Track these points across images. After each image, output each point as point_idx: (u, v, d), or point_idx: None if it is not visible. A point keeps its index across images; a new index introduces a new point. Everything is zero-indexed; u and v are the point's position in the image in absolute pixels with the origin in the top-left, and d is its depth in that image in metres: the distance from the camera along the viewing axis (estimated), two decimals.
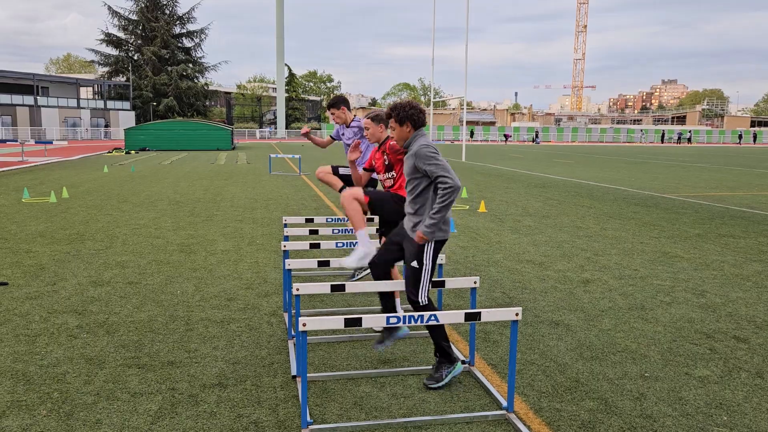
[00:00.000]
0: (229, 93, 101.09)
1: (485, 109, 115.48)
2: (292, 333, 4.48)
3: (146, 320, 4.86)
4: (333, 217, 5.98)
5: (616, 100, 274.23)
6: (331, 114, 6.21)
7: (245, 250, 7.56)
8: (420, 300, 3.70)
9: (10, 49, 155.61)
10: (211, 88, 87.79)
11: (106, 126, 62.90)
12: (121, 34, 75.94)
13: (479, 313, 3.18)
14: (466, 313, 3.18)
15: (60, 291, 5.66)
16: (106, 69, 75.82)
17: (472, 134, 76.96)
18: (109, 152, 33.25)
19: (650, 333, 4.74)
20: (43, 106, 57.36)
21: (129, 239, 8.19)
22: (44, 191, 13.66)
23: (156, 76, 73.27)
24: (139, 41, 76.25)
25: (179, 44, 78.70)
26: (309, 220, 6.04)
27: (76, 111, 60.97)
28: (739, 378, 3.92)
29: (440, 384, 3.67)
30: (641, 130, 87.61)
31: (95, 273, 6.34)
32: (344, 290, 3.75)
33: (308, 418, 3.19)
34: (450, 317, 3.19)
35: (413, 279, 3.68)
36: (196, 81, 79.19)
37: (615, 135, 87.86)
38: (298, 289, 3.69)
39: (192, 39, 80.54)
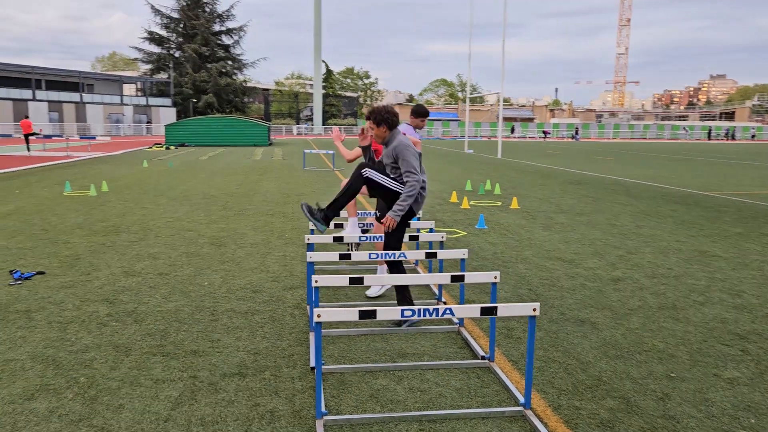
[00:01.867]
0: (267, 90, 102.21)
1: (524, 106, 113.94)
2: (312, 325, 4.51)
3: (173, 310, 4.96)
4: (361, 212, 5.99)
5: (661, 96, 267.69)
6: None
7: (274, 244, 7.64)
8: (390, 256, 4.52)
9: (59, 47, 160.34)
10: (249, 84, 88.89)
11: (148, 122, 64.32)
12: (163, 32, 77.56)
13: (495, 307, 3.15)
14: (482, 308, 3.15)
15: (93, 281, 5.82)
16: (148, 66, 77.54)
17: (512, 130, 76.19)
18: (149, 148, 34.00)
19: (680, 333, 4.62)
20: (89, 103, 58.99)
21: (162, 232, 8.36)
22: (85, 185, 14.05)
23: (196, 73, 74.54)
24: (180, 39, 77.67)
25: (219, 42, 79.91)
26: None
27: (119, 107, 62.52)
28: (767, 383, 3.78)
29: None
30: (685, 127, 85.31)
31: (128, 264, 6.50)
32: (362, 282, 3.75)
33: (323, 409, 3.20)
34: (467, 311, 3.16)
35: (390, 236, 4.73)
36: (234, 78, 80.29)
37: (658, 132, 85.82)
38: (317, 281, 3.71)
39: (231, 36, 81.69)
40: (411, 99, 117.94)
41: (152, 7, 76.38)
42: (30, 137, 26.49)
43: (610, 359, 4.09)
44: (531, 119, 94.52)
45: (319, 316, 3.01)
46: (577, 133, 72.72)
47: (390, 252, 4.54)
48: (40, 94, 54.91)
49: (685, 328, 4.72)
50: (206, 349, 4.14)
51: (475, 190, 14.41)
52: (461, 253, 4.55)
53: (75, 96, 57.84)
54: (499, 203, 11.97)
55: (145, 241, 7.69)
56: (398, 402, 3.42)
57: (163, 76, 75.67)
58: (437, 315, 3.12)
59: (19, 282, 5.69)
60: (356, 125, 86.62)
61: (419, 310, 3.09)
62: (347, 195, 4.75)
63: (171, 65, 74.09)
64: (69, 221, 9.13)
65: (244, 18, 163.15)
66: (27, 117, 27.43)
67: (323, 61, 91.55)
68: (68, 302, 5.12)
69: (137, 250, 7.15)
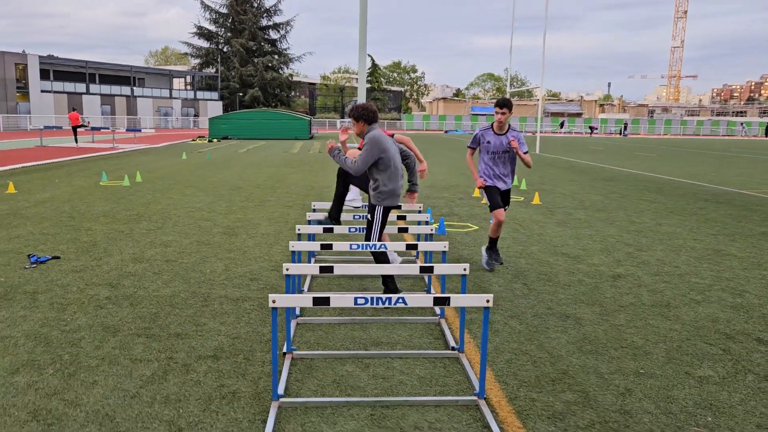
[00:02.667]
0: (314, 84, 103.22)
1: (572, 100, 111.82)
2: (296, 312, 4.65)
3: (169, 295, 5.18)
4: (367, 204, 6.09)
5: (720, 90, 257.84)
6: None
7: (284, 234, 7.82)
8: (372, 243, 4.92)
9: (117, 43, 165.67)
10: (295, 78, 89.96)
11: (195, 115, 65.92)
12: (212, 27, 79.15)
13: (448, 298, 3.21)
14: (435, 298, 3.21)
15: (102, 266, 6.10)
16: (197, 61, 79.33)
17: (561, 126, 74.89)
18: (192, 140, 34.88)
19: (664, 330, 4.56)
20: (139, 96, 60.82)
21: (180, 221, 8.65)
22: (121, 175, 14.58)
23: (243, 67, 75.85)
24: (229, 34, 79.14)
25: (266, 36, 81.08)
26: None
27: (168, 101, 64.26)
28: (743, 380, 3.72)
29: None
30: (742, 123, 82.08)
31: (139, 251, 6.78)
32: (333, 272, 3.86)
33: (280, 392, 3.33)
34: (419, 300, 3.23)
35: (368, 229, 5.21)
36: (280, 72, 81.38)
37: (713, 128, 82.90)
38: (288, 269, 3.84)
39: (278, 31, 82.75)
40: (458, 93, 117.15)
41: (202, 2, 78.03)
42: (78, 129, 27.56)
43: (583, 354, 4.09)
44: (579, 114, 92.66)
45: (274, 301, 3.13)
46: (625, 128, 70.91)
47: (371, 243, 4.64)
48: (94, 87, 56.91)
49: (671, 326, 4.66)
50: (189, 333, 4.32)
51: None
52: (442, 245, 4.61)
53: (126, 90, 59.74)
54: (521, 198, 11.88)
55: (162, 230, 7.98)
56: (358, 388, 3.52)
57: (211, 70, 77.29)
58: (390, 303, 3.20)
59: (34, 265, 6.01)
60: (399, 119, 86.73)
61: (371, 298, 3.18)
62: (336, 197, 5.63)
63: (218, 59, 75.59)
64: (96, 210, 9.53)
65: (290, 13, 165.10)
66: (74, 110, 28.54)
67: (369, 55, 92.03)
68: (73, 285, 5.40)
69: (152, 238, 7.44)
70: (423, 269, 3.93)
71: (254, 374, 3.66)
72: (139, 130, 31.60)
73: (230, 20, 78.69)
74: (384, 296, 3.19)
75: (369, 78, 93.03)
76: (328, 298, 3.17)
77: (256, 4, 79.86)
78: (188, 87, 72.79)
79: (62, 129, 29.97)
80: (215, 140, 35.94)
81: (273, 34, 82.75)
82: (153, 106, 62.06)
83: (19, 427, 3.00)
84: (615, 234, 8.33)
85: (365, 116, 5.11)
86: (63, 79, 54.43)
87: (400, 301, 3.22)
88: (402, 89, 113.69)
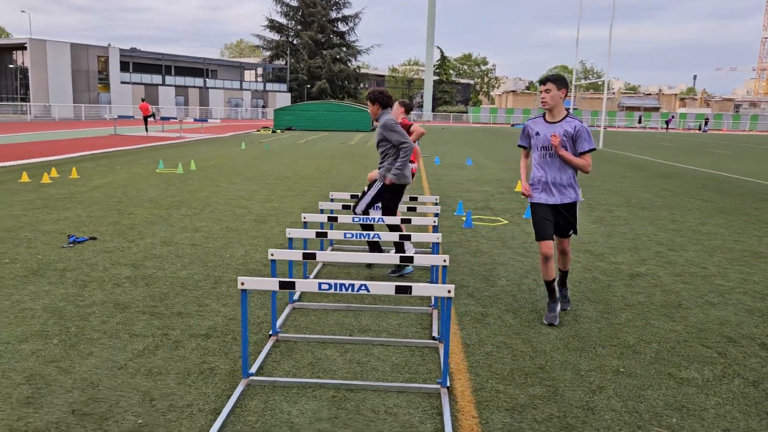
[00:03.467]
0: (382, 76, 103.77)
1: (649, 94, 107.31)
2: (294, 298, 4.82)
3: (184, 277, 5.46)
4: None
5: None
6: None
7: (311, 224, 8.03)
8: (357, 211, 5.64)
9: (198, 35, 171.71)
10: (363, 71, 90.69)
11: (263, 107, 67.65)
12: (283, 20, 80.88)
13: (410, 287, 3.28)
14: (396, 286, 3.29)
15: (133, 247, 6.48)
16: (268, 53, 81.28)
17: (639, 120, 72.32)
18: (257, 131, 35.87)
19: (663, 331, 4.45)
20: (211, 88, 63.00)
21: (218, 208, 9.02)
22: (177, 164, 15.25)
23: (311, 59, 77.16)
24: (299, 26, 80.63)
25: (334, 29, 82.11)
26: (354, 196, 6.32)
27: (239, 92, 66.22)
28: (728, 385, 3.61)
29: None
30: None
31: (170, 235, 7.14)
32: (315, 258, 4.00)
33: (252, 371, 3.50)
34: (381, 288, 3.32)
35: (361, 196, 5.72)
36: (348, 64, 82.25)
37: None
38: (273, 255, 4.00)
39: (347, 23, 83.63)
40: (530, 87, 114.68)
41: None
42: (148, 119, 28.90)
43: (568, 350, 4.06)
44: (656, 109, 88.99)
45: (243, 284, 3.29)
46: (706, 123, 67.65)
47: (365, 233, 4.76)
48: (169, 79, 59.37)
49: (673, 327, 4.54)
50: (191, 312, 4.57)
51: None
52: (435, 237, 4.67)
53: (199, 81, 62.00)
54: None
55: (198, 216, 8.36)
56: (330, 371, 3.65)
57: (281, 62, 79.03)
58: (353, 290, 3.30)
59: (71, 245, 6.46)
60: (466, 112, 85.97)
61: (335, 284, 3.29)
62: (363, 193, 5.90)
63: (288, 52, 77.17)
64: (144, 195, 10.06)
65: (359, 5, 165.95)
66: (144, 100, 29.93)
67: (438, 47, 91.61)
68: (100, 265, 5.78)
69: (186, 223, 7.81)
70: (403, 259, 4.01)
71: (237, 353, 3.85)
72: (206, 120, 32.81)
73: (300, 13, 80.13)
74: (348, 282, 3.30)
75: (437, 70, 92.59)
76: (294, 282, 3.31)
77: None
78: (258, 79, 74.73)
79: (135, 119, 31.47)
80: (279, 131, 36.82)
81: (341, 27, 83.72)
82: (224, 97, 64.12)
83: (11, 389, 3.30)
84: (650, 233, 8.08)
85: (380, 100, 5.64)
86: (141, 71, 57.04)
87: (363, 288, 3.32)
88: (472, 82, 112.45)
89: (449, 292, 3.28)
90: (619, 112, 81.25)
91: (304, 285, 3.32)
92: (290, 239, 4.71)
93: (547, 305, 4.66)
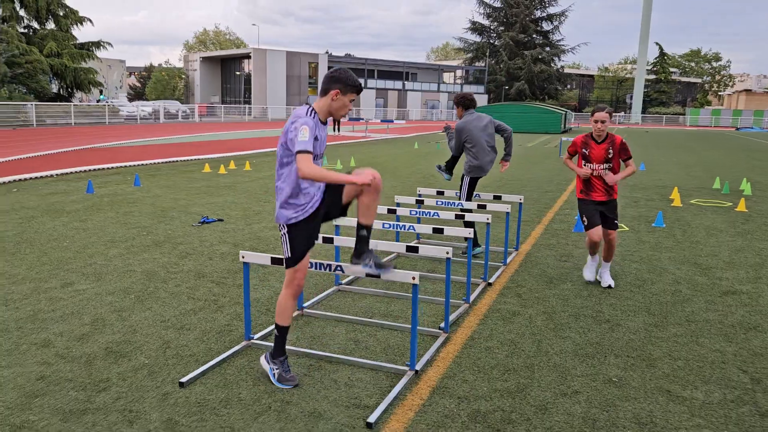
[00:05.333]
0: (590, 76, 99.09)
1: None
2: (338, 281, 5.23)
3: (225, 253, 6.15)
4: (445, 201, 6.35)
5: None
6: None
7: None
8: (462, 203, 6.27)
9: (408, 40, 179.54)
10: (567, 71, 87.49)
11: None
12: (485, 22, 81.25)
13: (379, 273, 3.51)
14: (367, 273, 3.54)
15: (246, 230, 7.40)
16: (469, 55, 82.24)
17: None
18: (442, 131, 36.71)
19: (703, 351, 4.07)
20: (409, 90, 65.65)
21: None
22: (342, 161, 16.46)
23: (511, 60, 76.41)
24: (501, 28, 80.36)
25: (538, 28, 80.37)
26: (420, 201, 6.52)
27: (435, 94, 68.06)
28: (730, 410, 3.26)
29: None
30: None
31: (266, 225, 7.95)
32: (332, 242, 4.37)
33: (251, 334, 4.00)
34: (354, 270, 3.59)
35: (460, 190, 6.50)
36: (551, 65, 79.98)
37: None
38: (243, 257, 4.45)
39: (551, 22, 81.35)
40: None
41: None
42: (339, 120, 31.21)
43: (573, 355, 3.93)
44: None
45: (243, 257, 3.80)
46: None
47: (459, 202, 5.98)
48: (371, 82, 63.10)
49: (721, 348, 4.11)
50: (251, 285, 5.21)
51: (721, 188, 12.67)
52: (467, 232, 4.76)
53: (398, 84, 64.96)
54: (728, 204, 10.47)
55: None
56: (326, 345, 4.00)
57: (480, 64, 79.49)
58: (330, 270, 3.63)
59: (200, 224, 7.57)
60: (683, 113, 78.45)
61: (317, 264, 3.64)
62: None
63: (487, 53, 77.35)
64: None
65: (566, 2, 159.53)
66: None
67: (656, 43, 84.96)
68: (207, 241, 6.74)
69: None
70: (409, 248, 4.20)
71: (262, 321, 4.38)
72: (392, 121, 34.48)
73: (503, 14, 79.80)
74: (326, 263, 3.63)
75: (654, 68, 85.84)
76: (282, 259, 3.73)
77: None
78: (457, 81, 76.01)
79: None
80: None
81: (545, 26, 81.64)
82: (421, 99, 66.38)
83: (75, 327, 4.17)
84: None
85: (462, 103, 6.40)
86: None
87: (339, 269, 3.62)
88: (700, 80, 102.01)
89: (414, 278, 3.45)
90: None
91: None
92: (336, 226, 5.13)
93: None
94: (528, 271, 5.90)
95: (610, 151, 5.29)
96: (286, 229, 3.42)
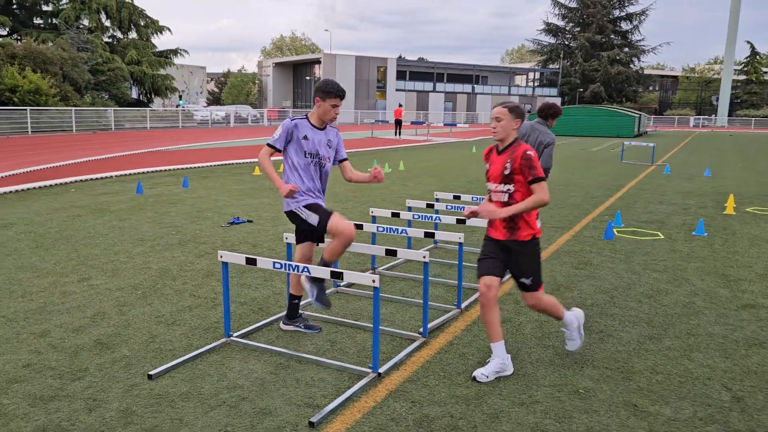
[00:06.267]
0: (673, 77, 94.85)
1: None
2: (338, 284, 5.31)
3: (278, 257, 6.33)
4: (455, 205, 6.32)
5: None
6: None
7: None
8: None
9: (489, 43, 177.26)
10: (648, 72, 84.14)
11: (528, 112, 67.37)
12: (560, 23, 79.43)
13: (342, 272, 3.57)
14: (332, 271, 3.61)
15: (270, 231, 7.60)
16: (543, 57, 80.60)
17: None
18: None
19: (691, 366, 3.88)
20: (479, 93, 65.03)
21: (344, 204, 9.82)
22: (392, 164, 16.56)
23: (586, 62, 74.36)
24: (577, 29, 78.30)
25: (616, 28, 77.82)
26: (439, 200, 6.49)
27: (506, 98, 67.00)
28: (696, 428, 3.11)
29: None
30: None
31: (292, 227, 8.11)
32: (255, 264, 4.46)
33: (231, 332, 4.14)
34: (319, 272, 3.66)
35: None
36: (629, 66, 77.21)
37: None
38: (287, 238, 4.57)
39: (630, 22, 78.59)
40: None
41: None
42: (401, 123, 31.36)
43: (550, 366, 3.84)
44: None
45: (222, 257, 3.95)
46: None
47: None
48: (440, 86, 62.98)
49: (713, 365, 3.91)
50: (254, 285, 5.37)
51: None
52: (457, 236, 4.73)
53: (468, 87, 64.48)
54: None
55: (343, 206, 9.25)
56: (296, 343, 4.09)
57: (555, 66, 77.72)
58: (298, 270, 3.72)
59: (229, 225, 7.84)
60: (765, 116, 73.70)
61: (286, 264, 3.74)
62: None
63: (561, 55, 75.54)
64: (331, 190, 11.36)
65: (647, 0, 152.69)
66: (400, 105, 32.45)
67: (747, 42, 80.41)
68: (229, 241, 6.98)
69: None
70: (388, 252, 4.23)
71: (250, 319, 4.52)
72: (455, 125, 34.26)
73: (578, 14, 77.77)
74: (295, 263, 3.72)
75: (745, 68, 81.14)
76: (255, 259, 3.85)
77: None
78: (533, 83, 74.67)
79: (388, 123, 34.41)
80: None
81: (624, 26, 78.96)
82: (491, 102, 65.58)
83: (77, 320, 4.45)
84: None
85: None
86: (414, 79, 61.63)
87: (306, 270, 3.71)
88: None
89: (374, 281, 3.49)
90: None
91: (262, 263, 3.83)
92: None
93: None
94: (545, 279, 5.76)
95: (507, 166, 3.61)
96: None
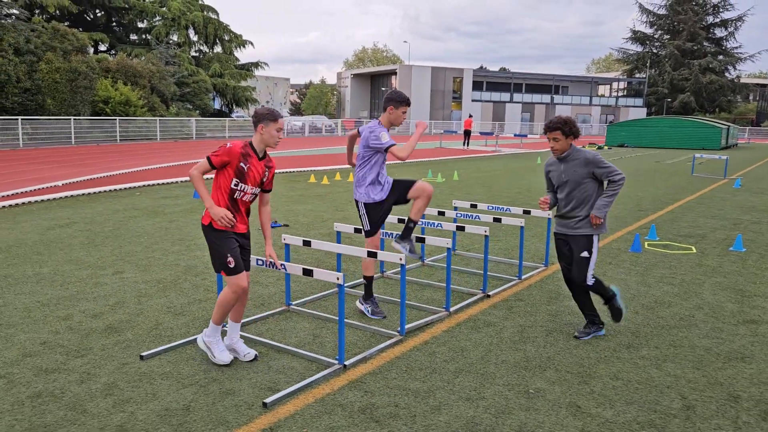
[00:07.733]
0: None
1: None
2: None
3: (302, 260, 6.71)
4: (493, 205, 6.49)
5: None
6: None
7: None
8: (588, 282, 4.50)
9: (576, 52, 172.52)
10: (746, 80, 79.54)
11: (611, 122, 65.26)
12: (647, 30, 76.57)
13: (312, 270, 3.90)
14: (303, 269, 3.94)
15: (302, 235, 8.02)
16: (629, 66, 77.88)
17: None
18: (581, 147, 35.31)
19: (660, 376, 3.91)
20: (558, 104, 63.69)
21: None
22: (447, 174, 16.73)
23: (675, 71, 71.21)
24: (666, 36, 75.24)
25: (708, 35, 74.17)
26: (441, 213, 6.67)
27: (587, 108, 65.33)
28: (620, 431, 3.20)
29: (585, 338, 4.51)
30: None
31: (324, 231, 8.50)
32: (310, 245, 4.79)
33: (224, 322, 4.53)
34: (292, 269, 3.99)
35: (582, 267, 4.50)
36: (724, 74, 73.31)
37: None
38: (285, 239, 4.93)
39: (725, 28, 74.70)
40: None
41: (640, 5, 76.23)
42: (470, 134, 31.36)
43: (513, 368, 3.99)
44: None
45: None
46: None
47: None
48: (517, 96, 62.24)
49: (686, 377, 3.92)
50: (265, 283, 5.78)
51: None
52: (445, 242, 4.94)
53: (546, 98, 63.34)
54: None
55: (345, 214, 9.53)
56: (281, 335, 4.43)
57: (641, 75, 74.94)
58: (274, 268, 4.07)
59: None
60: None
61: (265, 262, 4.10)
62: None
63: (648, 64, 72.76)
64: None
65: (744, 5, 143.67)
66: (471, 116, 32.45)
67: None
68: (257, 243, 7.43)
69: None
70: (370, 254, 4.50)
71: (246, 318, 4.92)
72: (525, 136, 33.81)
73: (668, 21, 74.70)
74: (268, 260, 4.08)
75: None
76: (257, 260, 4.23)
77: (700, 1, 73.69)
78: (618, 93, 72.34)
79: (457, 133, 34.44)
80: (606, 147, 35.57)
81: (718, 33, 75.11)
82: (571, 112, 64.09)
83: (98, 307, 4.99)
84: None
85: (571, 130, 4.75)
86: (491, 90, 61.26)
87: (283, 267, 4.05)
88: None
89: (338, 279, 3.78)
90: None
91: (253, 260, 4.21)
92: (338, 233, 5.52)
93: None
94: (541, 287, 5.86)
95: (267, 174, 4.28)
96: (364, 209, 4.88)
